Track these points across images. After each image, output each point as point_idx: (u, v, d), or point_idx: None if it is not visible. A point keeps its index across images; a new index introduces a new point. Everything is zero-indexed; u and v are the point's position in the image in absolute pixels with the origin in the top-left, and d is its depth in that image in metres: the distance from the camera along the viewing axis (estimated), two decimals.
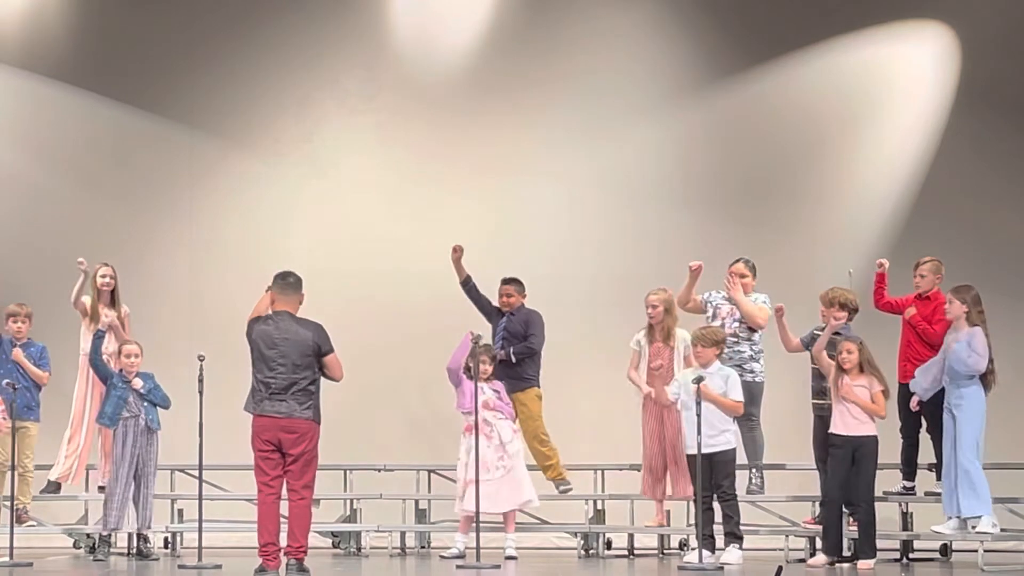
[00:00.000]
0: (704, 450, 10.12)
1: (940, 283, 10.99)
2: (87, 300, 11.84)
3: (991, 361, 10.24)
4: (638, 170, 14.15)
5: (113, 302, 11.91)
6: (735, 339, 11.20)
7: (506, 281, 11.91)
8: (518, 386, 11.65)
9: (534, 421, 11.73)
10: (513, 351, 11.62)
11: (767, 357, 11.40)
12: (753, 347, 11.31)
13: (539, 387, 11.75)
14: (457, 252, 11.80)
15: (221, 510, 12.11)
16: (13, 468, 11.03)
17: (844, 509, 10.40)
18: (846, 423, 10.24)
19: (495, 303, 11.91)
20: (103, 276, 11.88)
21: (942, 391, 10.65)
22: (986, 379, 10.26)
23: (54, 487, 11.88)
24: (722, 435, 10.35)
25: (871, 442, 10.21)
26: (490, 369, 11.16)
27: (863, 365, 10.27)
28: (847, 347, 10.30)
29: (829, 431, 10.34)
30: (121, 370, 11.40)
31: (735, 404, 10.42)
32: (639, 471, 11.82)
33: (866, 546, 10.23)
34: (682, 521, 11.70)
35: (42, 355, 11.76)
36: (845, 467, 10.23)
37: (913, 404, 10.64)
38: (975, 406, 10.21)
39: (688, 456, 10.50)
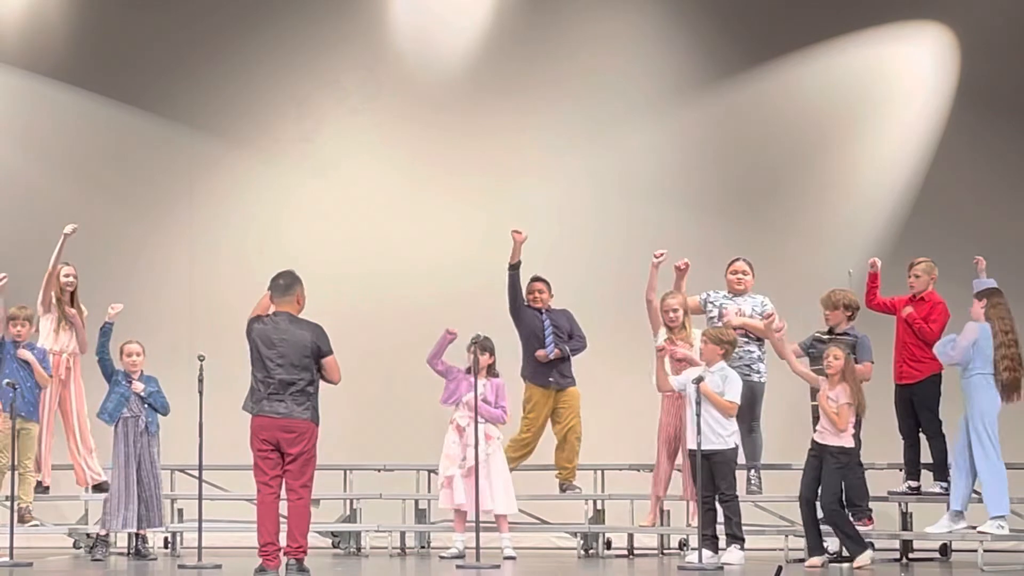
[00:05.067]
0: (704, 448, 10.14)
1: (934, 284, 11.01)
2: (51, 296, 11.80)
3: (1009, 358, 10.22)
4: (638, 171, 14.16)
5: (72, 303, 11.87)
6: (745, 339, 11.18)
7: (537, 279, 11.89)
8: (566, 383, 11.76)
9: (577, 418, 11.79)
10: (570, 349, 11.75)
11: (767, 357, 11.38)
12: (761, 347, 11.32)
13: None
14: (521, 236, 11.67)
15: (221, 510, 12.11)
16: (14, 468, 11.04)
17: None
18: (819, 431, 10.28)
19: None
20: (67, 276, 11.85)
21: (936, 393, 10.66)
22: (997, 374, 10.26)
23: (42, 489, 11.88)
24: (721, 436, 10.33)
25: (839, 453, 10.18)
26: (489, 361, 11.12)
27: (843, 373, 10.25)
28: (834, 352, 10.30)
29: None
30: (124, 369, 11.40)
31: (729, 404, 10.38)
32: (639, 471, 11.84)
33: (851, 544, 10.23)
34: (682, 521, 11.69)
35: (44, 358, 11.75)
36: (814, 470, 10.27)
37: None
38: (984, 400, 10.21)
39: (689, 454, 10.49)
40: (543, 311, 11.83)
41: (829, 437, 10.21)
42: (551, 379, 11.71)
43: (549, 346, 11.69)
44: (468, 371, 11.14)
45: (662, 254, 11.36)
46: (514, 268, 11.72)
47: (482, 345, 10.90)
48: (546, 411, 11.74)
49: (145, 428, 11.29)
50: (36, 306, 11.82)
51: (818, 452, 10.28)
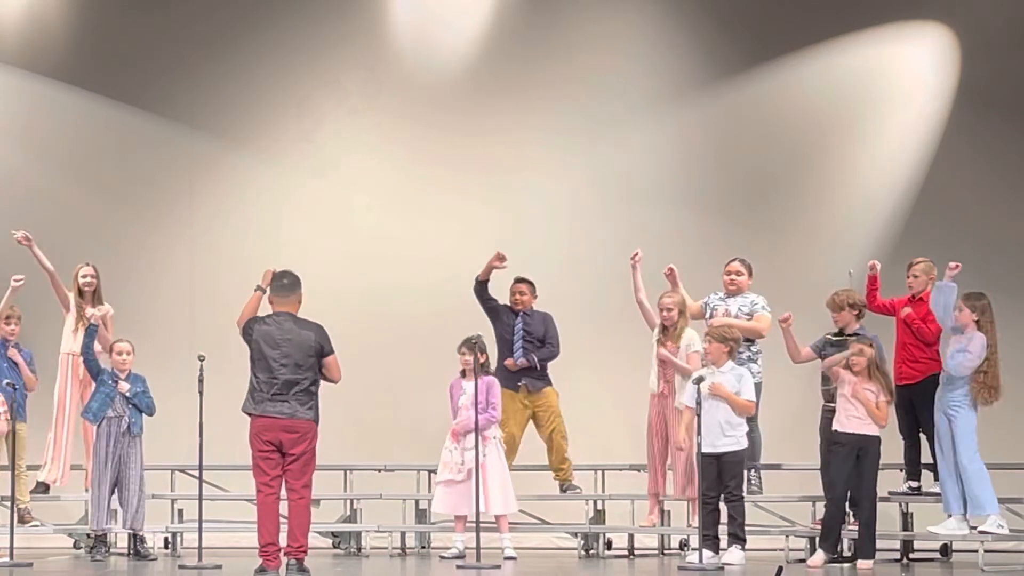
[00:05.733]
0: (713, 450, 10.13)
1: (933, 283, 10.98)
2: (70, 296, 11.80)
3: (985, 373, 10.21)
4: (638, 170, 14.16)
5: (94, 302, 11.85)
6: None
7: (520, 280, 11.83)
8: (539, 385, 11.69)
9: (558, 417, 11.74)
10: (538, 359, 11.65)
11: (767, 357, 11.39)
12: (751, 347, 11.31)
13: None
14: (501, 264, 11.64)
15: (221, 510, 12.11)
16: (13, 469, 11.03)
17: (848, 508, 10.42)
18: (851, 421, 10.24)
19: (501, 302, 11.86)
20: (84, 276, 11.82)
21: (933, 391, 10.64)
22: (978, 386, 10.24)
23: (43, 488, 11.86)
24: (732, 436, 10.32)
25: (875, 441, 10.21)
26: (481, 360, 11.09)
27: (871, 369, 10.24)
28: (858, 348, 10.30)
29: (832, 428, 10.33)
30: (112, 368, 11.38)
31: (747, 404, 10.38)
32: (639, 471, 11.83)
33: (866, 545, 10.23)
34: (682, 521, 11.69)
35: (31, 361, 11.76)
36: (849, 465, 10.23)
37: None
38: (970, 407, 10.21)
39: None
40: (520, 314, 11.76)
41: (864, 427, 10.17)
42: (520, 383, 11.66)
43: (517, 354, 11.64)
44: (463, 374, 11.13)
45: (637, 254, 11.37)
46: (482, 283, 11.66)
47: (479, 346, 10.91)
48: (512, 410, 11.59)
49: (128, 429, 11.22)
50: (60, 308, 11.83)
51: (855, 444, 10.18)
